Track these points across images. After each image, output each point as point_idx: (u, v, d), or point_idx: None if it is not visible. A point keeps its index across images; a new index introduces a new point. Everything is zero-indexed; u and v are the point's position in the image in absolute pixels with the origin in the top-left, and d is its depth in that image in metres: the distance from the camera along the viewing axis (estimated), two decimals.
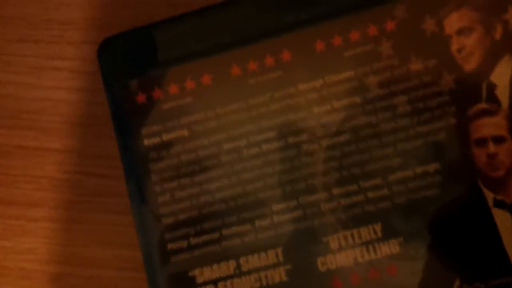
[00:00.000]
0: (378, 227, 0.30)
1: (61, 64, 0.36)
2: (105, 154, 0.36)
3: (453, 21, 0.31)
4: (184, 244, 0.31)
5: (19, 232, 0.36)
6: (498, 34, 0.30)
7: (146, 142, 0.31)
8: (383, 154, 0.31)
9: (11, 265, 0.35)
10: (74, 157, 0.35)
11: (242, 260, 0.31)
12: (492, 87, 0.30)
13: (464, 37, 0.31)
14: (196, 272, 0.31)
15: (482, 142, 0.30)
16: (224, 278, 0.31)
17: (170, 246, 0.31)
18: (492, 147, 0.29)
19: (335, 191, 0.31)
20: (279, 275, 0.31)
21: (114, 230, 0.35)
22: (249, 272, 0.32)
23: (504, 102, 0.30)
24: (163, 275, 0.32)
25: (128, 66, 0.33)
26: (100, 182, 0.35)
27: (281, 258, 0.31)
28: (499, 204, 0.29)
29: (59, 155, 0.36)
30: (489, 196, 0.29)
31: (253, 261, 0.31)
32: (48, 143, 0.36)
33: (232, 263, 0.31)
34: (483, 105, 0.30)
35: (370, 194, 0.31)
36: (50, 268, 0.35)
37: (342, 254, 0.31)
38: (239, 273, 0.31)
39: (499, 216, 0.29)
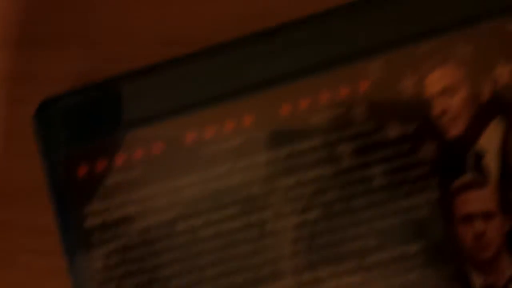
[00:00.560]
0: None
1: None
2: (43, 227, 0.33)
3: (436, 80, 0.28)
4: None
5: None
6: (485, 94, 0.27)
7: (88, 223, 0.28)
8: (357, 234, 0.29)
9: None
10: (6, 232, 0.31)
11: None
12: (479, 155, 0.27)
13: (448, 98, 0.27)
14: None
15: (468, 219, 0.26)
16: None
17: None
18: (479, 225, 0.26)
19: (305, 276, 0.28)
20: None
21: None
22: None
23: (493, 173, 0.27)
24: None
25: (68, 133, 0.30)
26: (49, 260, 0.31)
27: None
28: None
29: None
30: (477, 281, 0.27)
31: None
32: None
33: None
34: (469, 177, 0.26)
35: (345, 280, 0.29)
36: None
37: None
38: None
39: None
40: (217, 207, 0.28)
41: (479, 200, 0.27)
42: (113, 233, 0.29)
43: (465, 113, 0.28)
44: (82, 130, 0.29)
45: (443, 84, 0.28)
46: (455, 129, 0.28)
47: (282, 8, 0.31)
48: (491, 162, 0.27)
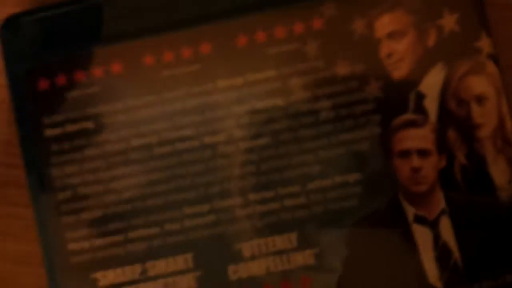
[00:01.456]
0: (293, 236, 0.31)
1: None
2: (11, 141, 0.35)
3: (385, 24, 0.31)
4: (86, 245, 0.31)
5: None
6: (431, 40, 0.31)
7: (48, 132, 0.31)
8: (303, 161, 0.32)
9: None
10: None
11: (148, 264, 0.32)
12: (420, 97, 0.31)
13: (395, 42, 0.31)
14: (98, 275, 0.31)
15: (405, 154, 0.31)
16: (128, 283, 0.31)
17: (71, 246, 0.31)
18: (416, 161, 0.30)
19: (251, 197, 0.31)
20: (188, 281, 0.32)
21: (17, 223, 0.35)
22: (155, 278, 0.32)
23: (432, 114, 0.31)
24: (63, 276, 0.32)
25: (32, 48, 0.33)
26: (6, 172, 0.34)
27: (190, 264, 0.32)
28: (419, 219, 0.30)
29: None
30: (410, 211, 0.30)
31: (161, 266, 0.31)
32: None
33: (137, 267, 0.31)
34: (409, 116, 0.30)
35: (287, 202, 0.32)
36: None
37: (254, 262, 0.32)
38: (144, 278, 0.32)
39: (419, 232, 0.31)
40: (173, 127, 0.31)
41: (417, 138, 0.31)
42: (71, 145, 0.31)
43: (410, 57, 0.31)
44: (44, 46, 0.32)
45: (391, 28, 0.32)
46: (400, 71, 0.31)
47: None
48: (431, 104, 0.31)
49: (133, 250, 0.32)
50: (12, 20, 0.32)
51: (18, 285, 0.35)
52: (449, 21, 0.31)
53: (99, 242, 0.31)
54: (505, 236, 0.31)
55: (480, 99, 0.30)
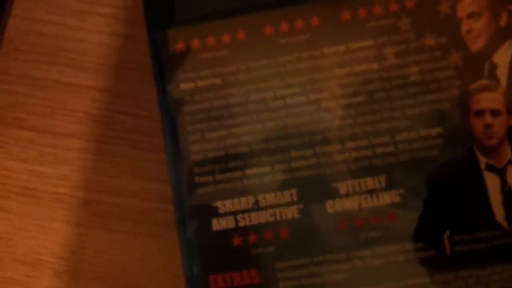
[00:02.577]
0: (382, 178, 0.40)
1: (103, 10, 0.45)
2: (140, 96, 0.45)
3: (465, 6, 0.40)
4: (210, 179, 0.40)
5: (54, 160, 0.45)
6: (503, 21, 0.40)
7: (182, 86, 0.41)
8: (392, 116, 0.40)
9: (45, 189, 0.44)
10: (110, 96, 0.44)
11: (260, 197, 0.40)
12: (493, 66, 0.40)
13: (473, 21, 0.40)
14: (219, 203, 0.40)
15: (480, 113, 0.39)
16: (242, 211, 0.40)
17: (197, 179, 0.40)
18: (488, 119, 0.39)
19: (348, 144, 0.40)
20: (292, 212, 0.40)
21: (144, 165, 0.44)
22: (265, 208, 0.41)
23: (503, 81, 0.39)
24: (189, 204, 0.41)
25: (171, 16, 0.42)
26: (134, 121, 0.44)
27: (295, 198, 0.40)
28: (490, 168, 0.39)
29: (96, 93, 0.45)
30: (482, 160, 0.39)
31: (270, 198, 0.40)
32: (86, 81, 0.45)
33: (251, 199, 0.40)
34: (484, 82, 0.39)
35: (378, 150, 0.40)
36: (81, 194, 0.44)
37: (349, 199, 0.40)
38: (256, 208, 0.40)
39: (489, 178, 0.39)
40: (285, 85, 0.41)
41: (490, 100, 0.40)
42: (202, 96, 0.42)
43: (485, 34, 0.41)
44: (181, 15, 0.42)
45: (471, 9, 0.41)
46: (477, 45, 0.41)
47: None
48: (502, 73, 0.40)
49: (248, 184, 0.40)
50: None
51: (145, 218, 0.44)
52: None
53: (220, 177, 0.41)
54: None
55: None
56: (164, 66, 0.40)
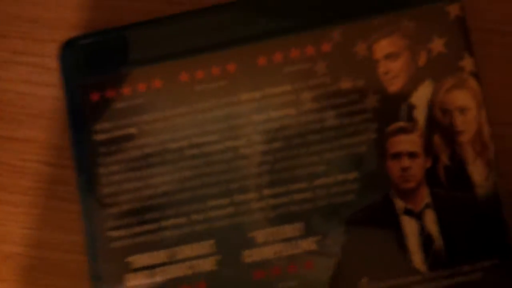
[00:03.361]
0: (300, 225, 0.41)
1: (27, 59, 0.46)
2: (62, 146, 0.45)
3: (383, 47, 0.41)
4: (124, 232, 0.41)
5: None
6: (421, 61, 0.41)
7: (98, 137, 0.41)
8: (310, 162, 0.41)
9: None
10: (31, 147, 0.45)
11: (177, 249, 0.41)
12: (411, 107, 0.40)
13: (391, 61, 0.41)
14: (134, 258, 0.41)
15: (397, 156, 0.40)
16: (158, 265, 0.41)
17: (111, 233, 0.41)
18: (406, 161, 0.40)
19: (266, 192, 0.41)
20: (209, 264, 0.41)
21: (65, 216, 0.45)
22: (182, 260, 0.41)
23: (421, 122, 0.40)
24: (103, 259, 0.41)
25: (86, 66, 0.44)
26: (56, 171, 0.45)
27: (212, 249, 0.41)
28: (407, 212, 0.40)
29: (17, 143, 0.46)
30: (399, 205, 0.40)
31: (187, 250, 0.41)
32: (7, 132, 0.46)
33: (167, 252, 0.41)
34: (400, 123, 0.40)
35: (296, 196, 0.41)
36: (4, 248, 0.44)
37: (266, 248, 0.41)
38: (173, 261, 0.41)
39: (407, 222, 0.40)
40: (201, 133, 0.42)
41: (407, 142, 0.41)
42: (117, 147, 0.42)
43: (403, 74, 0.42)
44: (96, 65, 0.43)
45: (388, 50, 0.42)
46: (394, 86, 0.41)
47: None
48: (420, 114, 0.41)
49: (165, 237, 0.41)
50: (71, 42, 0.43)
51: (65, 271, 0.45)
52: (437, 45, 0.41)
53: (136, 229, 0.41)
54: (482, 227, 0.40)
55: (462, 110, 0.40)
56: (78, 117, 0.41)
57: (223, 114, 0.42)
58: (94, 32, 0.43)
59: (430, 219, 0.40)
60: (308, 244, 0.41)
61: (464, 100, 0.40)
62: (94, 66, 0.43)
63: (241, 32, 0.43)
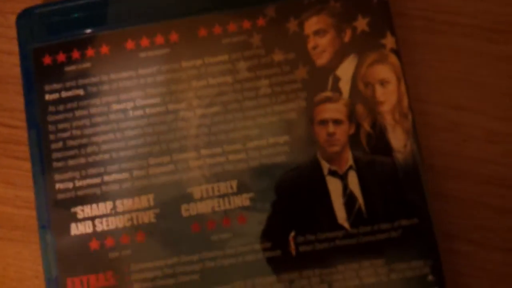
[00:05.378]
0: (234, 183, 0.42)
1: None
2: (16, 108, 0.46)
3: (312, 24, 0.43)
4: (70, 185, 0.42)
5: None
6: (347, 37, 0.43)
7: (47, 97, 0.42)
8: (244, 126, 0.42)
9: None
10: None
11: (118, 202, 0.42)
12: (337, 79, 0.42)
13: (319, 37, 0.43)
14: (78, 209, 0.42)
15: (324, 123, 0.42)
16: (100, 216, 0.41)
17: (58, 186, 0.41)
18: (331, 128, 0.41)
19: (203, 152, 0.42)
20: (149, 217, 0.41)
21: (18, 174, 0.46)
22: (123, 213, 0.42)
23: (345, 92, 0.42)
24: (49, 210, 0.42)
25: (40, 33, 0.45)
26: (11, 131, 0.46)
27: (151, 203, 0.41)
28: (332, 173, 0.41)
29: None
30: (325, 166, 0.41)
31: (128, 204, 0.41)
32: None
33: (109, 204, 0.41)
34: (327, 93, 0.41)
35: (231, 157, 0.42)
36: None
37: (202, 203, 0.42)
38: (114, 213, 0.41)
39: (332, 183, 0.41)
40: (145, 96, 0.43)
41: (333, 110, 0.43)
42: (65, 107, 0.43)
43: (330, 49, 0.43)
44: (49, 32, 0.44)
45: (317, 27, 0.44)
46: (322, 60, 0.43)
47: None
48: (344, 85, 0.43)
49: (107, 190, 0.42)
50: (26, 12, 0.45)
51: (16, 224, 0.45)
52: (362, 23, 0.43)
53: (80, 183, 0.42)
54: (399, 189, 0.41)
55: (383, 82, 0.42)
56: (32, 78, 0.41)
57: (165, 80, 0.43)
58: (49, 3, 0.44)
59: (352, 180, 0.41)
60: (242, 200, 0.42)
61: (384, 74, 0.41)
62: (47, 33, 0.44)
63: (185, 6, 0.44)
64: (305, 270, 0.41)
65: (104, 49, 0.42)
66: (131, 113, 0.43)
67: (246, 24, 0.43)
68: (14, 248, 0.45)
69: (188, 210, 0.42)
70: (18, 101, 0.46)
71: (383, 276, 0.41)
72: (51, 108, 0.43)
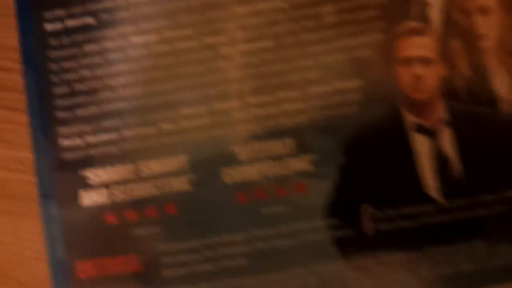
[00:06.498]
0: (290, 141, 0.32)
1: None
2: (10, 45, 0.35)
3: None
4: (78, 141, 0.32)
5: None
6: None
7: (48, 26, 0.31)
8: (303, 65, 0.32)
9: None
10: None
11: (141, 164, 0.32)
12: (425, 5, 0.32)
13: None
14: (89, 172, 0.31)
15: (408, 62, 0.31)
16: (119, 182, 0.30)
17: (62, 142, 0.33)
18: (418, 68, 0.29)
19: (250, 100, 0.32)
20: (181, 183, 0.33)
21: (10, 128, 0.35)
22: (148, 178, 0.33)
23: (436, 23, 0.31)
24: (53, 173, 0.33)
25: None
26: (2, 76, 0.35)
27: (185, 166, 0.32)
28: (420, 129, 0.31)
29: None
30: (410, 119, 0.31)
31: (154, 166, 0.32)
32: None
33: (130, 167, 0.32)
34: (413, 24, 0.30)
35: (286, 107, 0.32)
36: None
37: (249, 166, 0.32)
38: (137, 178, 0.32)
39: (418, 141, 0.32)
40: (173, 26, 0.31)
41: (420, 46, 0.32)
42: (71, 39, 0.31)
43: None
44: None
45: None
46: None
47: None
48: (435, 13, 0.31)
49: (127, 149, 0.33)
50: None
51: (10, 192, 0.35)
52: None
53: (92, 138, 0.32)
54: (506, 150, 0.31)
55: (484, 10, 0.32)
56: (28, 3, 0.31)
57: (199, 4, 0.33)
58: None
59: (446, 138, 0.32)
60: (300, 163, 0.32)
61: None
62: None
63: None
64: (384, 255, 0.31)
65: None
66: (155, 48, 0.33)
67: None
68: (8, 222, 0.34)
69: (231, 175, 0.32)
70: (10, 37, 0.35)
71: (485, 262, 0.31)
72: (53, 42, 0.33)
